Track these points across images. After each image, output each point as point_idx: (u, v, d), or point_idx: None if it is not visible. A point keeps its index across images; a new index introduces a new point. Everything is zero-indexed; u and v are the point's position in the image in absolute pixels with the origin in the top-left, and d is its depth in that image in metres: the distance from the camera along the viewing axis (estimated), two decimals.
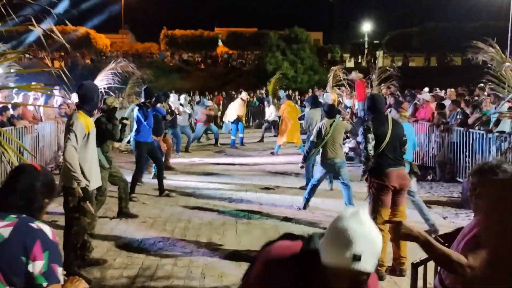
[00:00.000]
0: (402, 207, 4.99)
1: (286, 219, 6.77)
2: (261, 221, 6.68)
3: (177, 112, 11.43)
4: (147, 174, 9.53)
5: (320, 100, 10.90)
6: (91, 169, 4.58)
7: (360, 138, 5.02)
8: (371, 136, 4.77)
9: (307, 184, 8.01)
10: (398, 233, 2.35)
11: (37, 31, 3.47)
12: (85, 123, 4.47)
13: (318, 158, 7.25)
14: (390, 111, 8.61)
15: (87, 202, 4.45)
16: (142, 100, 8.14)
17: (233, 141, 14.78)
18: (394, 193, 4.83)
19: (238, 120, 14.73)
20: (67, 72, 3.95)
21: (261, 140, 16.15)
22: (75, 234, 4.57)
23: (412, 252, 4.94)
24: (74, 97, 6.33)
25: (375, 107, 4.98)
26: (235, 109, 14.82)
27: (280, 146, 12.99)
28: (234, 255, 5.26)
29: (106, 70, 10.39)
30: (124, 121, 6.52)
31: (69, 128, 4.43)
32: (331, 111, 7.35)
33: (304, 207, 7.23)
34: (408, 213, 5.43)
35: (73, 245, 4.55)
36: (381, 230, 4.65)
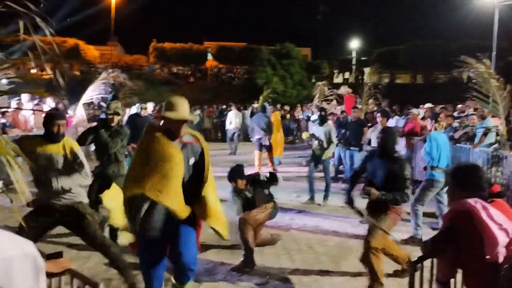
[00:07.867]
0: None
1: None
2: None
3: None
4: None
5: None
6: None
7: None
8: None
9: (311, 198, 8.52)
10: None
11: (28, 42, 3.45)
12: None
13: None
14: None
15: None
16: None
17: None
18: None
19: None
20: (61, 80, 3.97)
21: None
22: None
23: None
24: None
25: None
26: None
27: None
28: (218, 272, 5.38)
29: (99, 80, 10.43)
30: None
31: None
32: None
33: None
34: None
35: None
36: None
